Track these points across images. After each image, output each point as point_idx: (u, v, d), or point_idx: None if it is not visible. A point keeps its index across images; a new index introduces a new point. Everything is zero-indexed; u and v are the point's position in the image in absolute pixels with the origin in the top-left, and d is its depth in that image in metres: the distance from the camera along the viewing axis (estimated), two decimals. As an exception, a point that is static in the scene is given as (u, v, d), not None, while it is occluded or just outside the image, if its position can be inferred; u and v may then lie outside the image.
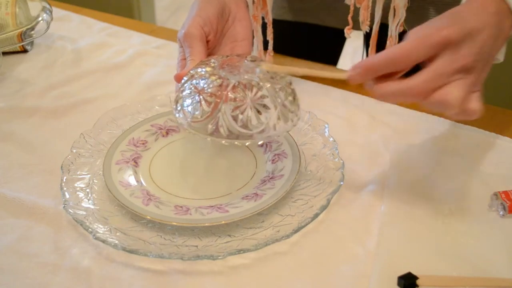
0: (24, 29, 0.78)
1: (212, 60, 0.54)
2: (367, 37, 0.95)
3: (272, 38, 0.77)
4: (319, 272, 0.48)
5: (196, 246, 0.49)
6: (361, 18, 0.70)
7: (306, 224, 0.50)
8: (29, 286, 0.47)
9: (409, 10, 0.69)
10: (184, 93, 0.52)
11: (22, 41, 0.80)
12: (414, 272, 0.46)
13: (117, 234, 0.50)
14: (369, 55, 0.75)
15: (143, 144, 0.63)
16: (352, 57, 2.20)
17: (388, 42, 0.72)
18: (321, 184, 0.55)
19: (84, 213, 0.52)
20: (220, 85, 0.50)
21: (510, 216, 0.53)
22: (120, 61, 0.85)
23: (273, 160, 0.60)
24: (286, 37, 0.92)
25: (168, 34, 0.95)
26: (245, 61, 0.54)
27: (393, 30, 0.71)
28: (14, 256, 0.50)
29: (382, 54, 0.46)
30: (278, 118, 0.50)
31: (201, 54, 0.57)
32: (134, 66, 0.84)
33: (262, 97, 0.50)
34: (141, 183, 0.57)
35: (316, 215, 0.51)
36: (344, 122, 0.68)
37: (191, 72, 0.53)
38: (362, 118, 0.69)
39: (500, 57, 0.59)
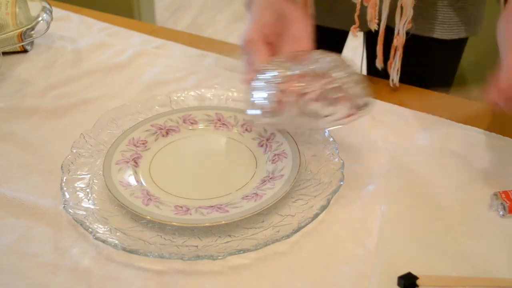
0: (24, 29, 0.78)
1: (278, 59, 0.56)
2: (367, 37, 0.95)
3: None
4: (319, 272, 0.48)
5: (196, 246, 0.49)
6: (368, 17, 0.70)
7: (306, 224, 0.50)
8: (29, 286, 0.47)
9: (414, 7, 0.69)
10: (254, 86, 0.54)
11: (22, 41, 0.80)
12: (414, 272, 0.46)
13: (117, 234, 0.50)
14: (377, 54, 0.75)
15: (143, 144, 0.63)
16: (352, 58, 2.19)
17: (395, 40, 0.72)
18: (321, 184, 0.55)
19: (84, 213, 0.52)
20: (289, 76, 0.51)
21: (510, 216, 0.53)
22: (120, 61, 0.85)
23: (273, 160, 0.60)
24: None
25: (168, 34, 0.95)
26: (312, 54, 0.55)
27: (400, 28, 0.71)
28: (14, 256, 0.50)
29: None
30: (349, 107, 0.51)
31: (266, 55, 0.58)
32: (134, 66, 0.84)
33: (331, 83, 0.51)
34: (141, 183, 0.57)
35: (316, 215, 0.51)
36: (344, 122, 0.68)
37: (260, 68, 0.55)
38: (362, 118, 0.69)
39: None
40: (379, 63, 0.76)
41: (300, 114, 0.51)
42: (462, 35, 0.85)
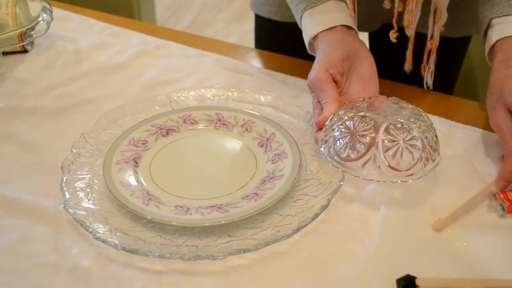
0: (24, 29, 0.78)
1: (354, 103, 0.56)
2: (371, 38, 0.95)
3: None
4: (319, 272, 0.48)
5: (196, 246, 0.49)
6: (405, 23, 0.70)
7: (306, 224, 0.50)
8: (29, 286, 0.47)
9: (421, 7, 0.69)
10: (335, 134, 0.54)
11: (22, 41, 0.80)
12: (414, 274, 0.46)
13: (117, 234, 0.50)
14: (407, 57, 0.76)
15: (143, 144, 0.63)
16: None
17: (428, 43, 0.72)
18: (321, 184, 0.56)
19: (84, 213, 0.52)
20: (373, 126, 0.52)
21: (509, 216, 0.53)
22: (120, 61, 0.85)
23: (273, 160, 0.60)
24: (293, 39, 0.92)
25: (168, 34, 0.95)
26: (388, 103, 0.56)
27: (435, 32, 0.71)
28: (14, 256, 0.50)
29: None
30: (426, 159, 0.52)
31: (334, 95, 0.58)
32: (134, 66, 0.84)
33: (413, 138, 0.52)
34: (141, 183, 0.57)
35: (316, 215, 0.51)
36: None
37: (339, 113, 0.55)
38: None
39: None
40: (408, 67, 0.77)
41: (382, 165, 0.52)
42: (467, 33, 0.85)
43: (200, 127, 0.66)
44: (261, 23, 0.97)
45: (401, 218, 0.53)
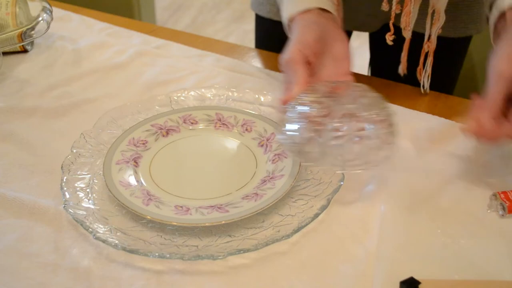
0: (24, 29, 0.78)
1: (318, 87, 0.56)
2: (371, 38, 0.95)
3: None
4: (319, 272, 0.48)
5: (197, 246, 0.49)
6: (402, 24, 0.70)
7: (306, 224, 0.50)
8: (29, 286, 0.47)
9: (420, 6, 0.69)
10: (288, 117, 0.54)
11: (22, 41, 0.80)
12: (416, 276, 0.46)
13: (117, 234, 0.50)
14: (401, 60, 0.76)
15: (143, 144, 0.63)
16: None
17: (425, 45, 0.72)
18: (321, 184, 0.55)
19: (84, 213, 0.52)
20: (324, 114, 0.52)
21: (510, 216, 0.53)
22: (120, 61, 0.85)
23: (273, 160, 0.60)
24: (282, 36, 0.92)
25: (168, 34, 0.95)
26: (351, 90, 0.55)
27: (432, 34, 0.70)
28: (14, 256, 0.50)
29: (488, 103, 0.51)
30: (377, 149, 0.52)
31: (303, 77, 0.58)
32: (134, 66, 0.84)
33: (363, 128, 0.51)
34: (141, 183, 0.57)
35: (316, 215, 0.51)
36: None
37: (298, 97, 0.55)
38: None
39: None
40: (402, 70, 0.76)
41: (329, 153, 0.51)
42: (467, 33, 0.85)
43: (200, 127, 0.66)
44: (261, 23, 0.97)
45: (401, 218, 0.53)
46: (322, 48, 0.62)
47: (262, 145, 0.62)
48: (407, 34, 0.71)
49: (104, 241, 0.49)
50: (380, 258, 0.49)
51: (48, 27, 0.80)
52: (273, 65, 0.82)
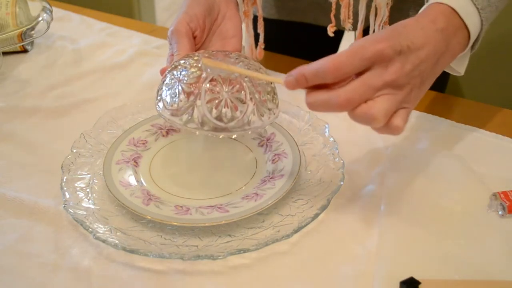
0: (24, 29, 0.78)
1: (197, 54, 0.55)
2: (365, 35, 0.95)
3: (263, 31, 0.78)
4: (319, 272, 0.48)
5: (197, 246, 0.49)
6: (342, 16, 0.70)
7: (306, 224, 0.50)
8: (29, 286, 0.47)
9: (393, 8, 0.68)
10: (164, 82, 0.54)
11: (23, 41, 0.80)
12: (416, 275, 0.46)
13: (117, 234, 0.50)
14: None
15: (143, 144, 0.63)
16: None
17: None
18: (321, 184, 0.55)
19: (84, 213, 0.52)
20: (199, 77, 0.51)
21: (510, 216, 0.53)
22: (120, 61, 0.85)
23: (273, 160, 0.60)
24: (279, 36, 0.92)
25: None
26: (229, 57, 0.55)
27: (376, 29, 0.70)
28: (14, 256, 0.50)
29: (314, 64, 0.45)
30: (253, 114, 0.51)
31: (187, 48, 0.58)
32: (134, 66, 0.84)
33: (238, 91, 0.51)
34: (141, 183, 0.57)
35: (316, 215, 0.51)
36: (344, 122, 0.68)
37: (175, 63, 0.55)
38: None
39: (461, 70, 0.58)
40: None
41: (204, 116, 0.50)
42: None
43: (200, 127, 0.66)
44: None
45: (401, 218, 0.53)
46: (211, 24, 0.62)
47: (262, 145, 0.62)
48: (348, 26, 0.70)
49: (104, 241, 0.49)
50: (380, 258, 0.49)
51: (48, 27, 0.80)
52: (273, 65, 0.82)
